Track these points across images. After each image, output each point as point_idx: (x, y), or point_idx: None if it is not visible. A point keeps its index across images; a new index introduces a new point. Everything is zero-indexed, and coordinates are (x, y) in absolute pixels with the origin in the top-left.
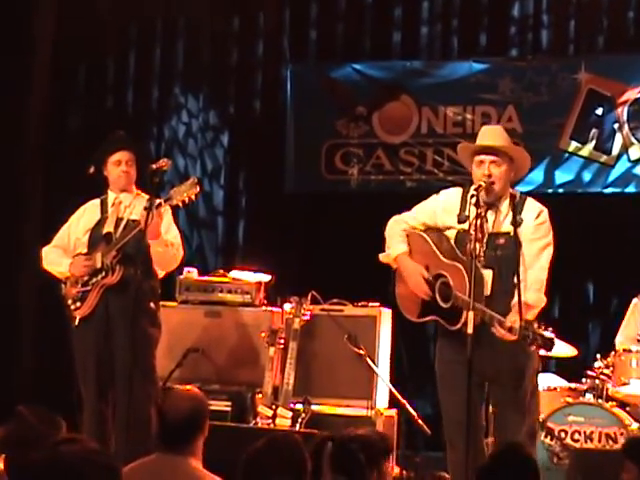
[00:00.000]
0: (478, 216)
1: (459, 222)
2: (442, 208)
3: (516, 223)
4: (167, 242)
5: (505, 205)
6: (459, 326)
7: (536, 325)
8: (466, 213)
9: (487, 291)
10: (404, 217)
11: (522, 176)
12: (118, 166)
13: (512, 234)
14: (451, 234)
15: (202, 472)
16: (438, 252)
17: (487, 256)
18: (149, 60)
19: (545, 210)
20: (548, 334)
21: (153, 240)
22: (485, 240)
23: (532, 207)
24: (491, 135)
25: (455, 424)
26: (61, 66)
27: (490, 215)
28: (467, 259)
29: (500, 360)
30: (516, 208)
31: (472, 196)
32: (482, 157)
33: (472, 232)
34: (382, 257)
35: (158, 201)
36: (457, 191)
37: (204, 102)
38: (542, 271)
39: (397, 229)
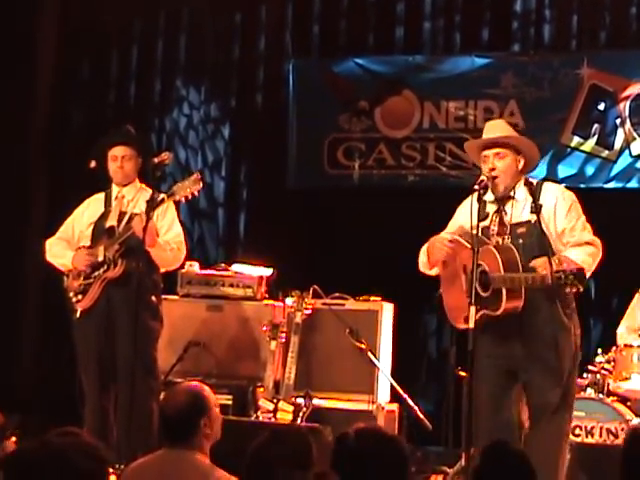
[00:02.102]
0: (497, 210)
1: (480, 220)
2: (465, 213)
3: (536, 210)
4: (166, 245)
5: (521, 194)
6: (502, 310)
7: (565, 265)
8: (486, 210)
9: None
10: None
11: (534, 165)
12: (114, 162)
13: (533, 222)
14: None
15: (208, 466)
16: (468, 245)
17: (503, 248)
18: (151, 54)
19: (565, 192)
20: (576, 265)
21: (150, 248)
22: (508, 231)
23: (550, 189)
24: (492, 129)
25: (483, 419)
26: (64, 60)
27: (508, 207)
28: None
29: (533, 344)
30: (535, 194)
31: (475, 191)
32: (485, 152)
33: (493, 228)
34: (420, 264)
35: (161, 196)
36: (474, 195)
37: (206, 95)
38: (589, 245)
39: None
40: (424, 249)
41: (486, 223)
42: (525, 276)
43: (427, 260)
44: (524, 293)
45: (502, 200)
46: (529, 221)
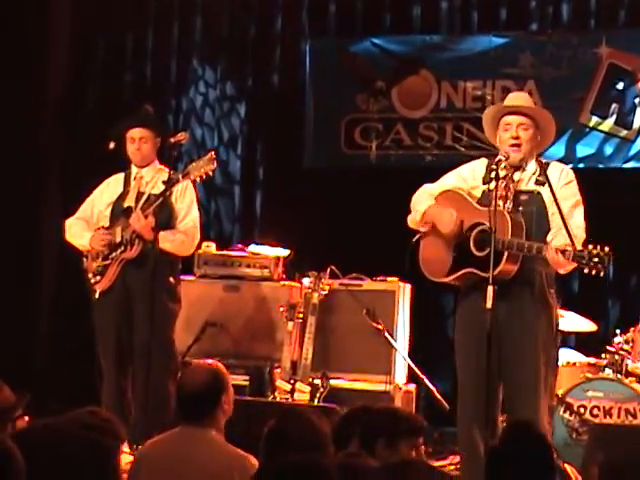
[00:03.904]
0: (505, 176)
1: (484, 183)
2: (468, 172)
3: (545, 180)
4: (167, 237)
5: (530, 166)
6: (498, 270)
7: (590, 246)
8: (491, 176)
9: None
10: (431, 186)
11: (548, 143)
12: (132, 143)
13: (536, 193)
14: (476, 193)
15: (223, 444)
16: (472, 201)
17: (512, 213)
18: (167, 34)
19: (568, 169)
20: (604, 249)
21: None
22: (512, 197)
23: (556, 167)
24: (518, 99)
25: (468, 395)
26: (80, 41)
27: (516, 175)
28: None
29: (516, 317)
30: (542, 169)
31: (491, 170)
32: (508, 119)
33: (498, 192)
34: (410, 220)
35: (176, 176)
36: (482, 160)
37: (222, 75)
38: (579, 229)
39: (424, 196)
40: (421, 210)
41: (491, 186)
42: (539, 245)
43: (420, 220)
44: (520, 260)
45: (513, 168)
46: (533, 191)
